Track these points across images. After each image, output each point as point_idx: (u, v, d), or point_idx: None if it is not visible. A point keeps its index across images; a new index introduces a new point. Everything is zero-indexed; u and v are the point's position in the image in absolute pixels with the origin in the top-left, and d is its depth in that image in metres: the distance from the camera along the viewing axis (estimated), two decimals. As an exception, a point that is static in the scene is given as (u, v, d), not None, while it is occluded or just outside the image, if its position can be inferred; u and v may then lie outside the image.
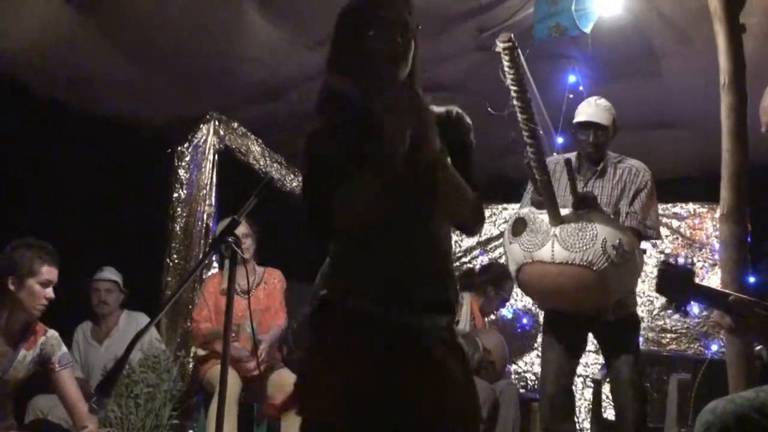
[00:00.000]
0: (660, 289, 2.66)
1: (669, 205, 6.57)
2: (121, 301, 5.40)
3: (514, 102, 3.28)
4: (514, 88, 3.20)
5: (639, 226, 3.97)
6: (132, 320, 5.32)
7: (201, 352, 5.08)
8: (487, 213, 7.21)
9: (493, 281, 5.87)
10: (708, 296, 2.72)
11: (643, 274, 6.37)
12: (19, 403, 4.30)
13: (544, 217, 3.69)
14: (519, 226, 3.78)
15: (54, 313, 4.03)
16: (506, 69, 3.13)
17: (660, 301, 6.51)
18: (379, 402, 2.07)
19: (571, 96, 5.25)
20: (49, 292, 3.74)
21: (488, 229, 7.26)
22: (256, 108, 6.12)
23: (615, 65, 5.12)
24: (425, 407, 2.08)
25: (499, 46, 3.04)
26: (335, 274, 2.28)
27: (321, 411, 2.12)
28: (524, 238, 3.71)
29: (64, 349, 3.95)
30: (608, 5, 4.40)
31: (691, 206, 6.69)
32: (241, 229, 5.02)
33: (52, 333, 3.91)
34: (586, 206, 3.72)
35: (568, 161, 3.79)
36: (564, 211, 3.68)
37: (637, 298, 4.53)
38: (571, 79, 5.29)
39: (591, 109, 4.14)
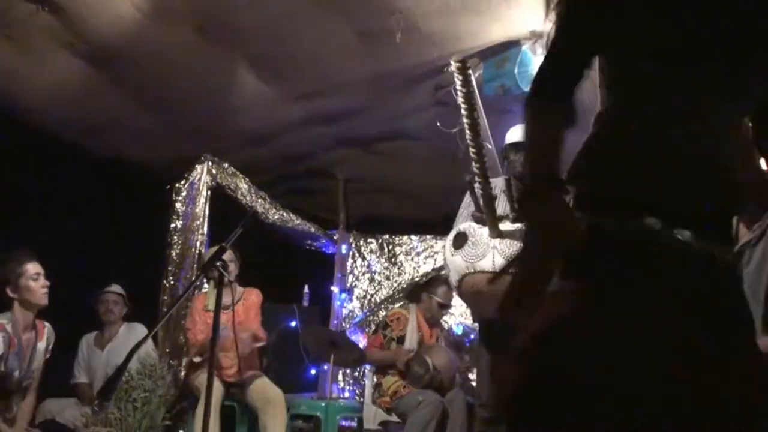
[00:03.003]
0: None
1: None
2: (124, 314, 5.37)
3: (464, 119, 3.12)
4: (464, 105, 3.04)
5: None
6: (131, 330, 5.28)
7: (197, 359, 5.00)
8: (441, 243, 7.23)
9: (425, 287, 5.68)
10: None
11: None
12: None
13: (483, 230, 3.50)
14: (460, 239, 3.58)
15: (65, 319, 4.11)
16: (458, 87, 2.98)
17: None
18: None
19: (514, 145, 5.29)
20: (43, 281, 3.85)
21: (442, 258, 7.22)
22: (245, 151, 6.12)
23: (551, 120, 5.17)
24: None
25: (453, 65, 2.93)
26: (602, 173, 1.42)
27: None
28: (466, 251, 3.52)
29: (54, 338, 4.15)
30: (546, 69, 4.45)
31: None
32: (228, 255, 5.04)
33: (49, 325, 4.04)
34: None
35: (508, 179, 3.71)
36: (502, 226, 3.51)
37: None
38: (514, 131, 5.33)
39: (521, 131, 4.02)
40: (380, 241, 7.55)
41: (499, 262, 3.40)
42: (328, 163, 6.68)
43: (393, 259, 7.49)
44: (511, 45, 4.42)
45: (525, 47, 4.37)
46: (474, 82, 3.46)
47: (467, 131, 3.15)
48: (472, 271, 3.50)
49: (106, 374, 4.77)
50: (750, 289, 2.11)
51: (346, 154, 6.36)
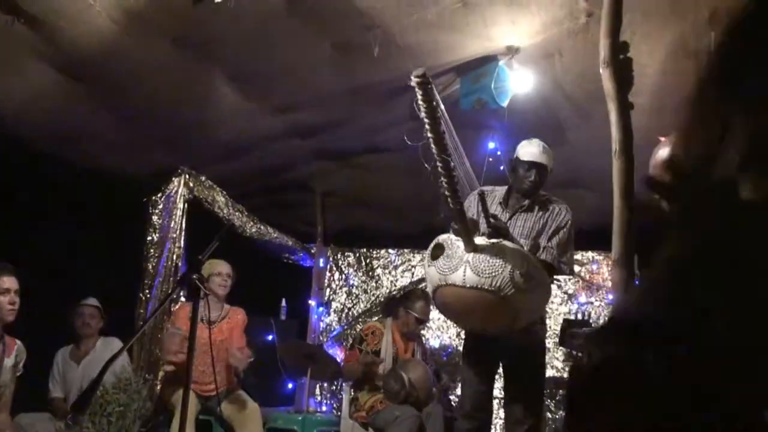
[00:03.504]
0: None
1: (572, 253, 6.67)
2: (100, 327, 5.32)
3: (428, 134, 3.04)
4: (427, 120, 2.97)
5: (553, 261, 3.86)
6: (107, 344, 5.24)
7: (169, 368, 5.01)
8: (419, 257, 7.25)
9: (402, 302, 5.61)
10: None
11: (549, 309, 6.53)
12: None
13: (460, 243, 3.47)
14: (437, 250, 3.56)
15: (40, 333, 4.05)
16: (420, 102, 2.90)
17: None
18: None
19: (490, 159, 5.32)
20: (12, 298, 3.78)
21: (421, 271, 7.24)
22: (222, 164, 6.12)
23: (527, 134, 5.18)
24: None
25: (413, 80, 2.84)
26: None
27: None
28: (440, 262, 3.49)
29: (25, 356, 4.06)
30: (522, 84, 4.49)
31: (590, 254, 6.80)
32: (226, 269, 5.05)
33: (20, 342, 3.97)
34: (498, 236, 3.54)
35: (481, 194, 3.68)
36: (480, 240, 3.49)
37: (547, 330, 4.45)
38: (491, 145, 5.36)
39: (536, 150, 3.97)
40: (358, 254, 7.57)
41: (470, 276, 3.39)
42: (305, 177, 6.69)
43: (371, 273, 7.50)
44: (488, 60, 4.46)
45: (502, 62, 4.42)
46: (437, 96, 3.39)
47: (432, 146, 3.08)
48: (444, 283, 3.49)
49: (82, 388, 4.73)
50: None
51: (324, 167, 6.38)
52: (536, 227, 3.97)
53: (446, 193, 3.25)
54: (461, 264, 3.42)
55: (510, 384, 4.07)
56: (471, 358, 4.08)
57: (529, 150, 3.99)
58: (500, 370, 4.19)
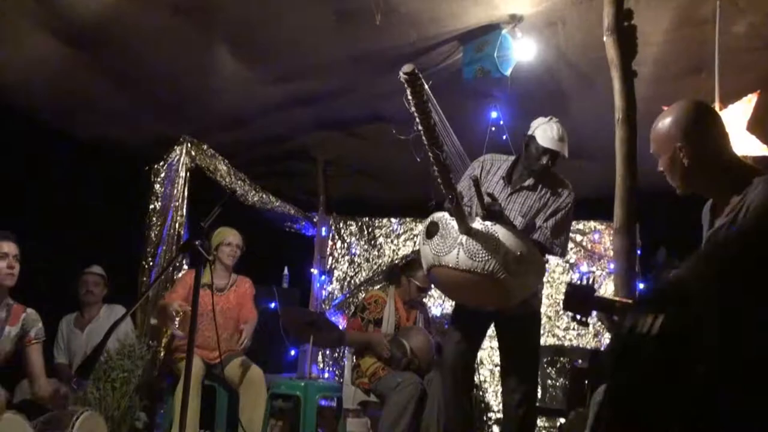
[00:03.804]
0: (566, 307, 2.68)
1: (573, 222, 6.66)
2: (104, 295, 5.36)
3: (419, 127, 3.02)
4: (417, 114, 2.95)
5: (546, 242, 3.79)
6: (111, 311, 5.28)
7: (152, 321, 5.04)
8: (420, 226, 7.26)
9: (404, 269, 5.58)
10: (604, 307, 2.78)
11: (551, 279, 6.56)
12: (7, 386, 4.23)
13: (454, 223, 3.45)
14: (432, 229, 3.56)
15: (44, 300, 4.03)
16: (409, 97, 2.89)
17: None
18: None
19: (493, 129, 5.30)
20: (11, 262, 3.77)
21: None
22: (224, 133, 6.11)
23: (530, 103, 5.17)
24: None
25: (401, 76, 2.82)
26: None
27: None
28: (435, 242, 3.50)
29: (40, 325, 3.95)
30: (525, 53, 4.46)
31: (591, 223, 6.79)
32: (236, 240, 5.07)
33: (32, 310, 3.93)
34: (493, 218, 3.50)
35: (475, 179, 3.62)
36: (474, 223, 3.46)
37: (546, 299, 4.44)
38: (493, 114, 5.34)
39: (555, 136, 3.82)
40: (360, 223, 7.58)
41: (463, 259, 3.38)
42: (307, 146, 6.68)
43: (373, 242, 7.52)
44: (491, 28, 4.43)
45: (505, 31, 4.38)
46: (428, 92, 3.36)
47: (424, 140, 3.06)
48: (438, 264, 3.49)
49: (86, 355, 4.75)
50: None
51: (326, 136, 6.36)
52: (536, 206, 3.91)
53: (438, 180, 3.23)
54: (455, 246, 3.42)
55: (505, 354, 4.10)
56: (459, 321, 4.09)
57: (549, 136, 3.83)
58: (497, 344, 4.21)
